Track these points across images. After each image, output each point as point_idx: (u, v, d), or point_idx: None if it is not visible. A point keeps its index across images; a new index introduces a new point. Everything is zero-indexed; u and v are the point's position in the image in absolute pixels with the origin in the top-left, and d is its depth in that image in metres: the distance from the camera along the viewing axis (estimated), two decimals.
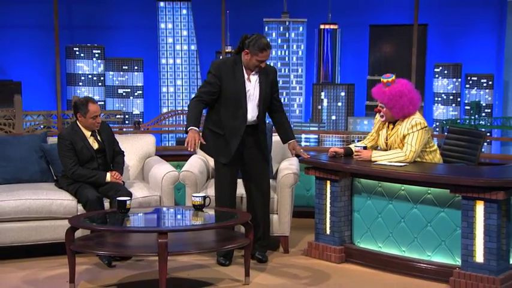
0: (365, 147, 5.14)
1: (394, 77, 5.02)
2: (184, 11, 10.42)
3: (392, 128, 5.07)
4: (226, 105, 4.93)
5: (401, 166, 4.82)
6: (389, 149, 5.06)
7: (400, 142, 5.00)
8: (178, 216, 4.80)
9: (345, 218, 5.14)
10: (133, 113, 10.48)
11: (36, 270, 4.87)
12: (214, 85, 4.92)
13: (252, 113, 4.97)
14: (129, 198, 4.70)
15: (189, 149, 4.78)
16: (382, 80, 5.04)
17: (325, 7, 9.93)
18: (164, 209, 5.03)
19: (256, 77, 4.98)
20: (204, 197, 4.70)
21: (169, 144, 9.68)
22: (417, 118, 4.97)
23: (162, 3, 10.24)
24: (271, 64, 5.13)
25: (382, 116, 5.08)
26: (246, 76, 4.95)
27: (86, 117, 5.30)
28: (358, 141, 9.76)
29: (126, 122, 10.39)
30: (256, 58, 4.87)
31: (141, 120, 10.25)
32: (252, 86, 4.96)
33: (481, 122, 10.01)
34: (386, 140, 5.11)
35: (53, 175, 5.63)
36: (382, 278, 4.78)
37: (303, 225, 6.01)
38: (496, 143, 9.18)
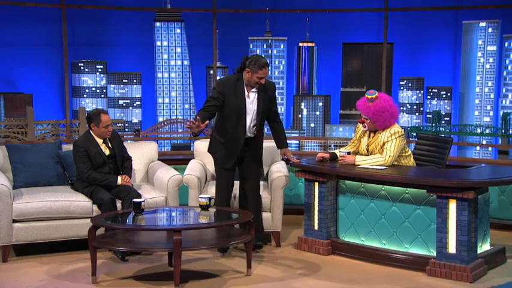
0: (348, 153, 5.21)
1: (377, 94, 5.06)
2: (178, 30, 10.40)
3: (373, 136, 5.15)
4: (229, 119, 4.98)
5: (382, 169, 4.91)
6: (370, 155, 5.15)
7: (380, 148, 5.07)
8: (188, 216, 4.80)
9: (331, 215, 5.20)
10: (133, 121, 10.40)
11: (58, 264, 4.85)
12: (218, 99, 4.96)
13: (250, 125, 5.03)
14: (143, 200, 4.70)
15: (188, 126, 4.73)
16: (366, 96, 5.06)
17: (303, 27, 9.99)
18: (173, 209, 5.03)
19: (255, 93, 5.02)
20: (210, 198, 4.73)
21: (165, 150, 9.67)
22: (396, 127, 5.04)
23: (158, 24, 10.21)
24: None
25: (365, 126, 5.15)
26: (246, 93, 5.00)
27: (99, 127, 5.30)
28: (334, 145, 9.92)
29: (126, 130, 10.34)
30: (257, 75, 4.91)
31: (139, 128, 10.21)
32: (250, 101, 5.01)
33: (441, 129, 10.16)
34: (368, 147, 5.18)
35: (68, 179, 5.61)
36: (365, 268, 4.85)
37: (289, 221, 6.04)
38: (454, 147, 9.32)
